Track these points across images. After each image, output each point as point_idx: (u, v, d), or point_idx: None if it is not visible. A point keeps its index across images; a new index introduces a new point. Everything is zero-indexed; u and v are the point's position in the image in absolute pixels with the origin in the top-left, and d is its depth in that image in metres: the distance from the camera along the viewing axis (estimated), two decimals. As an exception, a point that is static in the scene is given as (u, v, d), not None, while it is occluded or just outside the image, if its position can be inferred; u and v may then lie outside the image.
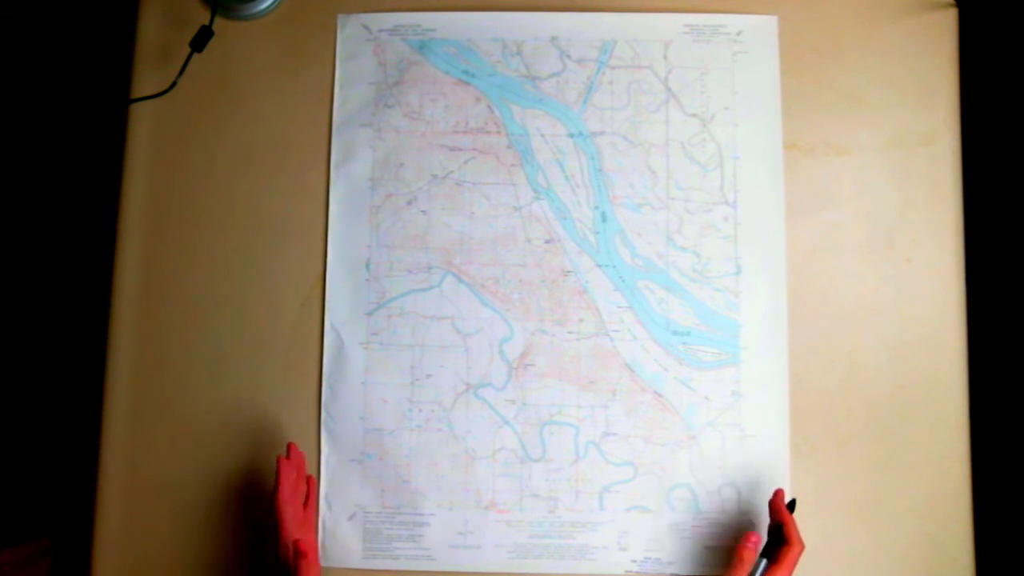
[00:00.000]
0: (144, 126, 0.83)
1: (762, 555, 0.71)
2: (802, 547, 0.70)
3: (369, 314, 0.81)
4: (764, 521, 0.77)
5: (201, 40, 0.81)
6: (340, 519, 0.79)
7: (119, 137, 0.84)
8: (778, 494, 0.73)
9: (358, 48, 0.84)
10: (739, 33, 0.83)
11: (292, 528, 0.71)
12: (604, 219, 0.81)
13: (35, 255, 1.18)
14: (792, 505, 0.73)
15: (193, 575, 0.79)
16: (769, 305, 0.80)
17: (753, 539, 0.72)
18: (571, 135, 0.82)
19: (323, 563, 0.78)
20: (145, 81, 0.83)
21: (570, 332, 0.80)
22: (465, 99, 0.83)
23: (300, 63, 0.84)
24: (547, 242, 0.81)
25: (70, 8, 1.21)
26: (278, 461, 0.73)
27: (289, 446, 0.76)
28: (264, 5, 0.84)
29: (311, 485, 0.78)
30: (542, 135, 0.82)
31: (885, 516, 0.78)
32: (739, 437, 0.79)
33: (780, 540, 0.71)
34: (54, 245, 1.19)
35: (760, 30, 0.83)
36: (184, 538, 0.79)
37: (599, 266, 0.81)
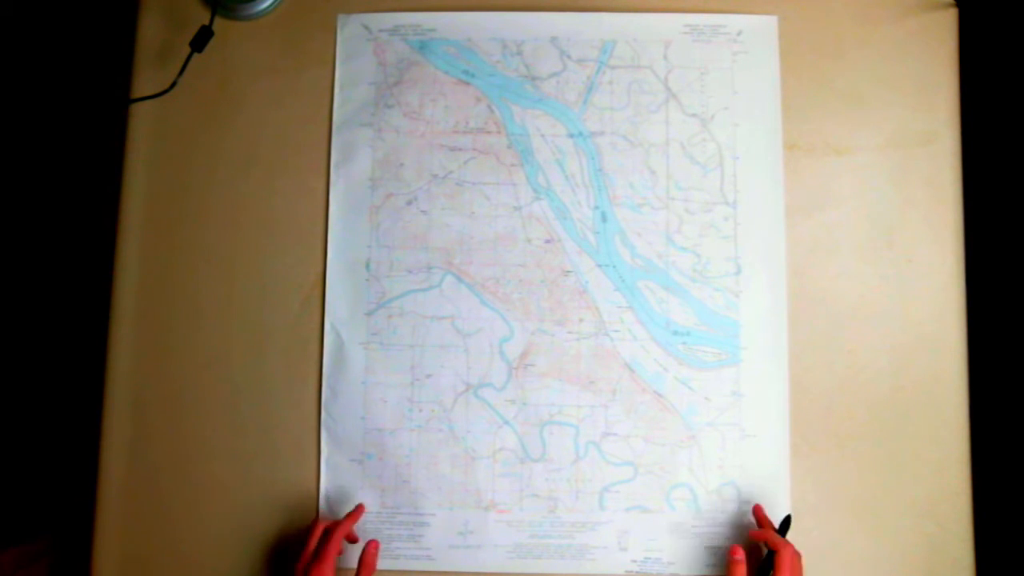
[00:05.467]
0: (144, 126, 0.83)
1: (759, 573, 0.72)
2: (789, 548, 0.70)
3: (369, 314, 0.81)
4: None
5: (201, 40, 0.81)
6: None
7: (119, 137, 0.84)
8: (756, 510, 0.75)
9: (358, 48, 0.84)
10: (739, 33, 0.83)
11: None
12: (604, 219, 0.81)
13: (35, 255, 1.18)
14: (787, 522, 0.73)
15: (193, 575, 0.79)
16: (769, 305, 0.80)
17: (738, 555, 0.73)
18: (571, 135, 0.82)
19: (323, 563, 0.78)
20: (145, 81, 0.83)
21: (570, 332, 0.80)
22: (465, 99, 0.83)
23: (300, 63, 0.84)
24: (547, 242, 0.81)
25: (70, 8, 1.21)
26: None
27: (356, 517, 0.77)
28: (264, 5, 0.84)
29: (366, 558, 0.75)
30: (542, 135, 0.82)
31: (885, 516, 0.78)
32: (739, 437, 0.79)
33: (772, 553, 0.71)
34: (54, 245, 1.19)
35: (760, 30, 0.83)
36: (184, 538, 0.79)
37: (599, 266, 0.81)
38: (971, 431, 0.79)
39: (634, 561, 0.78)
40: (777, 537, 0.72)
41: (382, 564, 0.78)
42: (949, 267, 0.80)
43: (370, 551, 0.76)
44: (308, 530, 0.74)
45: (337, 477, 0.79)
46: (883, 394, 0.79)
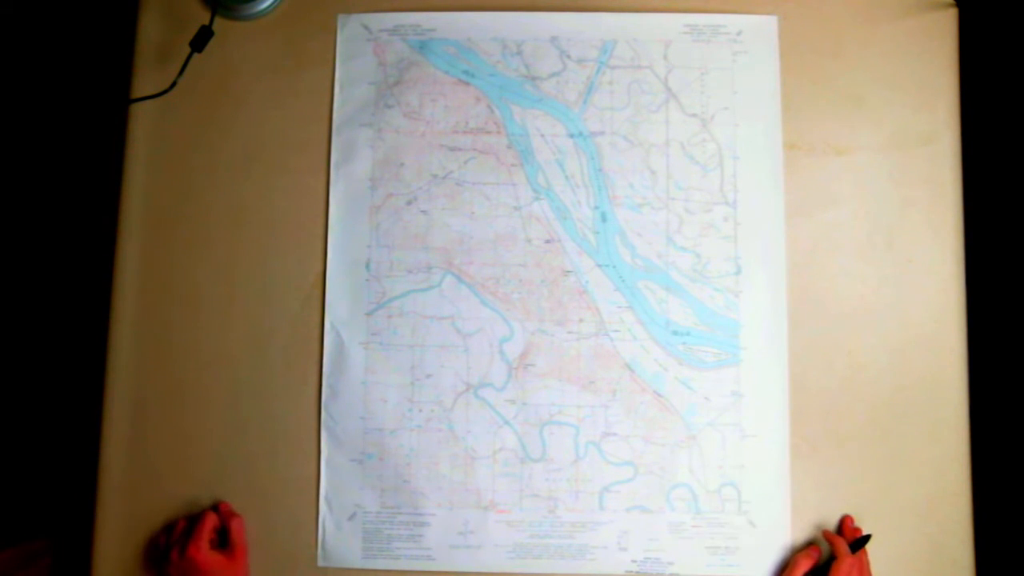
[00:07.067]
0: (144, 126, 0.83)
1: (815, 573, 0.74)
2: (848, 560, 0.72)
3: (369, 314, 0.81)
4: (764, 521, 0.77)
5: (201, 40, 0.81)
6: (340, 519, 0.79)
7: (119, 137, 0.84)
8: (844, 520, 0.77)
9: (358, 48, 0.84)
10: (739, 33, 0.83)
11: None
12: (604, 219, 0.81)
13: (35, 255, 1.18)
14: (864, 540, 0.75)
15: (193, 575, 0.79)
16: (769, 305, 0.80)
17: (814, 551, 0.76)
18: (571, 135, 0.82)
19: (323, 563, 0.78)
20: (145, 81, 0.83)
21: (570, 332, 0.80)
22: (465, 99, 0.83)
23: (300, 63, 0.84)
24: (547, 242, 0.81)
25: (70, 8, 1.20)
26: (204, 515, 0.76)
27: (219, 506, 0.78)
28: (264, 5, 0.84)
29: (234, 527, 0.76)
30: (542, 135, 0.82)
31: (885, 516, 0.78)
32: (739, 437, 0.79)
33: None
34: (54, 245, 1.19)
35: (760, 30, 0.83)
36: (184, 538, 0.79)
37: (599, 266, 0.81)
38: (971, 431, 0.79)
39: (634, 561, 0.78)
40: (844, 546, 0.74)
41: (382, 564, 0.78)
42: (949, 267, 0.80)
43: (234, 527, 0.76)
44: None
45: (337, 477, 0.79)
46: (883, 394, 0.79)
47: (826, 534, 0.76)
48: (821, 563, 0.75)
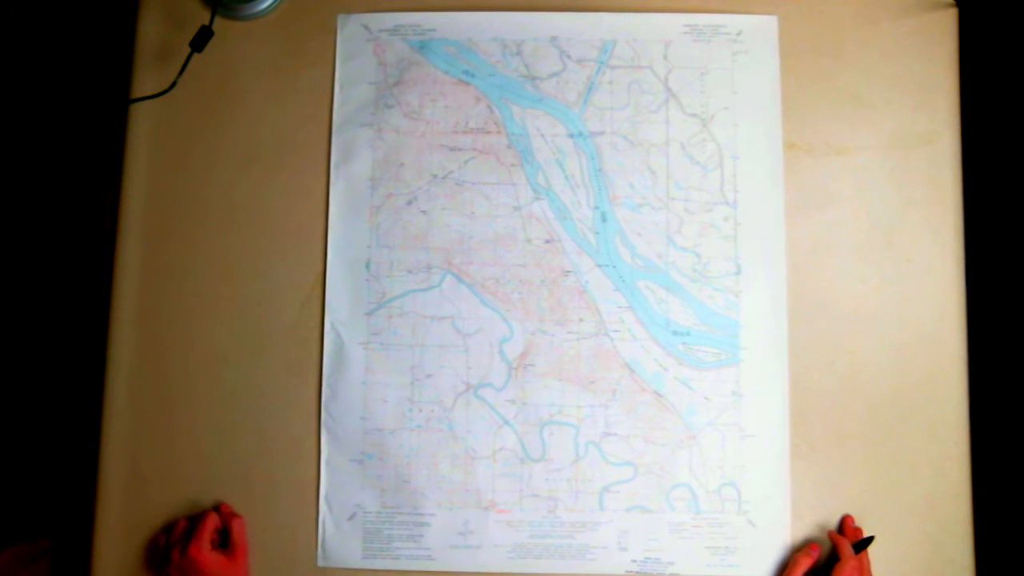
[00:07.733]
0: (144, 126, 0.83)
1: (815, 573, 0.75)
2: (852, 562, 0.72)
3: (369, 314, 0.81)
4: (764, 521, 0.77)
5: (201, 40, 0.81)
6: (340, 519, 0.79)
7: (119, 137, 0.84)
8: (844, 520, 0.77)
9: (358, 48, 0.84)
10: (739, 33, 0.83)
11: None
12: (604, 219, 0.81)
13: (35, 255, 1.18)
14: (867, 541, 0.74)
15: (193, 575, 0.79)
16: (769, 305, 0.80)
17: (814, 550, 0.76)
18: (571, 135, 0.82)
19: (323, 563, 0.78)
20: (145, 81, 0.83)
21: (570, 332, 0.80)
22: (465, 99, 0.83)
23: (300, 63, 0.84)
24: (547, 242, 0.81)
25: (70, 8, 1.20)
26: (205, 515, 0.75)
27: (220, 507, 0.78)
28: (264, 5, 0.84)
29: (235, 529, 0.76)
30: (542, 135, 0.82)
31: (885, 516, 0.78)
32: (739, 437, 0.79)
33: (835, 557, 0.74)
34: (54, 245, 1.19)
35: (760, 30, 0.83)
36: (184, 538, 0.79)
37: (599, 266, 0.81)
38: (971, 431, 0.79)
39: (634, 561, 0.78)
40: (848, 548, 0.73)
41: (382, 564, 0.78)
42: (949, 267, 0.80)
43: (235, 528, 0.76)
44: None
45: (337, 477, 0.79)
46: (883, 394, 0.79)
47: (831, 535, 0.76)
48: (821, 563, 0.75)
